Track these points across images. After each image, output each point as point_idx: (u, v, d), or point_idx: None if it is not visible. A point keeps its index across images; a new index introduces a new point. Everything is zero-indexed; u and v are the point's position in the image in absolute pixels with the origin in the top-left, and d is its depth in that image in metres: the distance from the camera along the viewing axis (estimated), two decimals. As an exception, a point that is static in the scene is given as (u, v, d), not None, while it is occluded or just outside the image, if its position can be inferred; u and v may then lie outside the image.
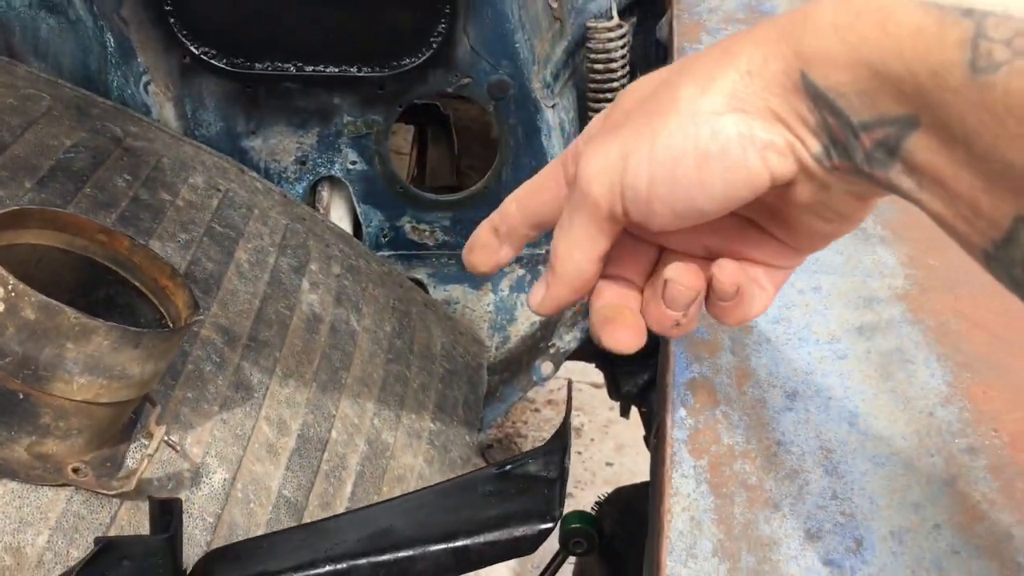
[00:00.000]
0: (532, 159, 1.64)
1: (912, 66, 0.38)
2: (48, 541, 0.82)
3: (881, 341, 0.71)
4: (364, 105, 1.57)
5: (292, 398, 1.19)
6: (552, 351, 1.84)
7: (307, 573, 0.69)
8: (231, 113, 1.56)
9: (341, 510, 1.16)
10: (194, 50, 1.49)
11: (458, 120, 2.04)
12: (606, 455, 3.28)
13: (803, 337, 0.72)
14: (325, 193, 1.65)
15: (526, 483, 0.76)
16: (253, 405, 1.13)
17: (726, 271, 0.51)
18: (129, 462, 0.93)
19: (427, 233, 1.70)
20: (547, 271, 0.54)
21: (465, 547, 0.71)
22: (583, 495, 3.16)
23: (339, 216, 1.67)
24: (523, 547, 0.72)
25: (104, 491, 0.88)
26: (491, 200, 1.68)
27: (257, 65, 1.51)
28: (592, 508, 1.54)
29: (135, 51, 1.50)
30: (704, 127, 0.44)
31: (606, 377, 2.43)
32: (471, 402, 1.52)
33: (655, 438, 0.69)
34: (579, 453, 3.31)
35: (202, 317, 0.95)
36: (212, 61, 1.50)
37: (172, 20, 1.46)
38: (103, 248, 0.95)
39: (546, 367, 1.85)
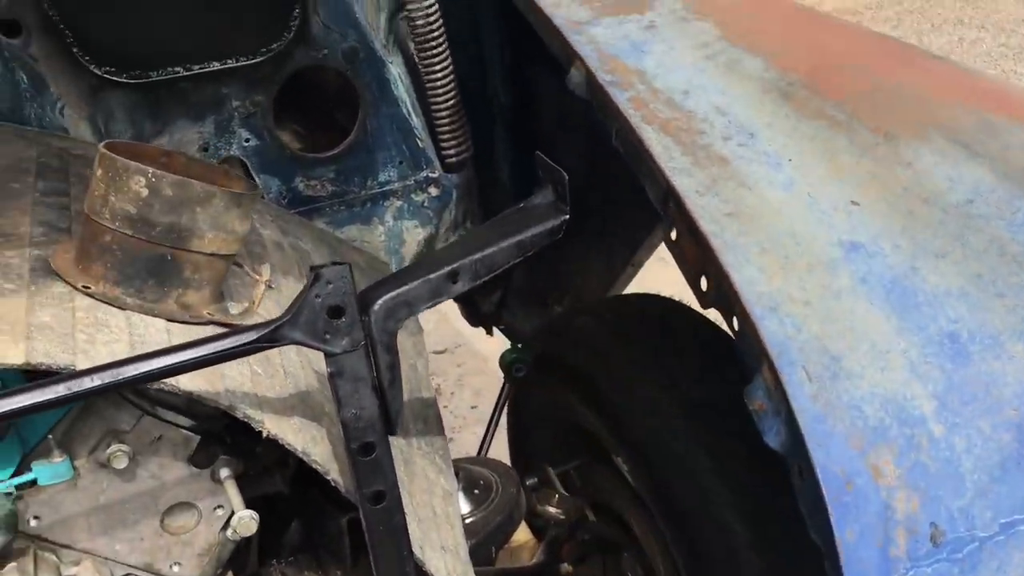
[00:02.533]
0: (389, 107, 2.05)
1: None
2: (219, 350, 1.14)
3: (720, 59, 1.19)
4: (248, 89, 1.91)
5: (295, 288, 1.52)
6: (437, 265, 2.24)
7: (435, 273, 1.07)
8: (138, 119, 1.84)
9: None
10: (98, 72, 1.76)
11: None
12: (467, 401, 3.69)
13: (676, 69, 1.19)
14: (227, 173, 1.96)
15: (536, 208, 1.18)
16: (277, 290, 1.45)
17: None
18: (231, 311, 1.25)
19: (318, 187, 2.05)
20: None
21: (521, 240, 1.12)
22: (460, 437, 3.55)
23: (242, 191, 1.98)
24: (554, 233, 1.15)
25: (235, 323, 1.20)
26: (364, 148, 2.06)
27: (153, 73, 1.81)
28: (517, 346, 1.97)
29: (47, 82, 1.75)
30: None
31: (463, 307, 2.85)
32: (403, 295, 1.89)
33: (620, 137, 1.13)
34: (445, 407, 3.69)
35: (261, 191, 1.27)
36: (115, 78, 1.78)
37: (75, 50, 1.73)
38: (165, 167, 1.25)
39: (435, 279, 2.25)
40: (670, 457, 1.48)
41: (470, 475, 1.60)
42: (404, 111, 2.07)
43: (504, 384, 1.89)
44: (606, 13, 1.36)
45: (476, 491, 1.57)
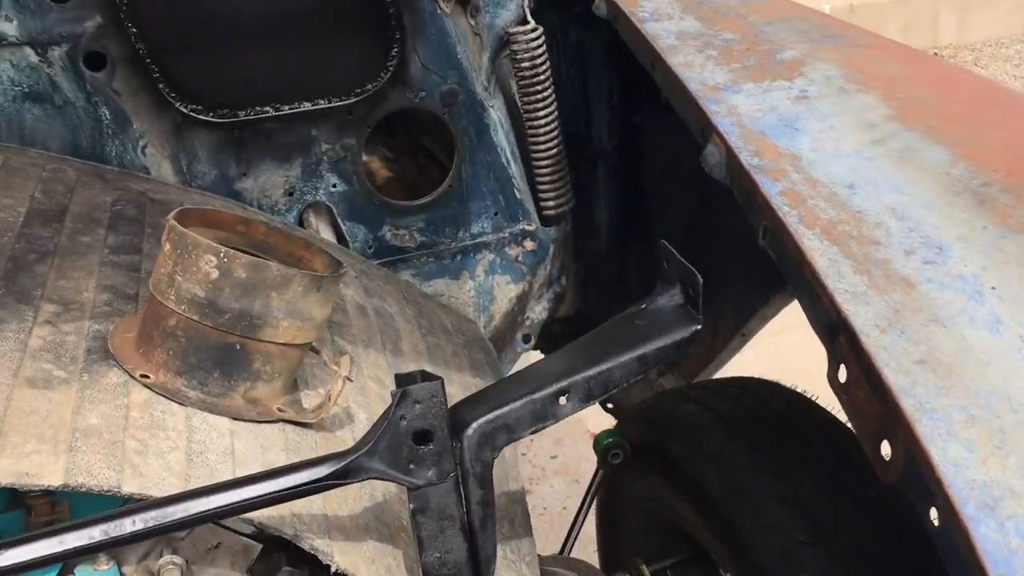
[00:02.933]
0: (486, 154, 1.89)
1: None
2: (286, 459, 0.99)
3: (892, 144, 1.00)
4: (338, 132, 1.77)
5: (377, 362, 1.38)
6: (528, 323, 2.08)
7: (541, 392, 0.90)
8: (222, 160, 1.72)
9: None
10: (184, 109, 1.65)
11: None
12: (548, 450, 3.51)
13: (838, 155, 1.00)
14: (312, 219, 1.83)
15: (661, 312, 1.00)
16: (357, 367, 1.31)
17: None
18: (305, 404, 1.10)
19: (406, 237, 1.91)
20: None
21: (644, 354, 0.95)
22: (538, 489, 3.37)
23: (326, 237, 1.85)
24: (682, 347, 0.97)
25: (308, 421, 1.05)
26: (457, 197, 1.91)
27: (240, 113, 1.69)
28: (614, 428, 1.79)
29: (130, 119, 1.64)
30: None
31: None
32: (492, 363, 1.73)
33: (769, 236, 0.94)
34: (524, 454, 3.51)
35: (347, 269, 1.12)
36: (201, 116, 1.66)
37: (161, 85, 1.62)
38: (243, 236, 1.12)
39: (525, 338, 2.08)
40: (793, 589, 1.28)
41: (558, 582, 1.43)
42: (503, 159, 1.92)
43: (597, 469, 1.71)
44: (748, 78, 1.18)
45: (564, 603, 1.40)
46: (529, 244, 1.99)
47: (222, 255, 0.97)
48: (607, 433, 1.72)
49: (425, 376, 0.88)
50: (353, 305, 1.51)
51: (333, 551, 0.92)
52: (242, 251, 1.11)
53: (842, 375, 0.79)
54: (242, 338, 0.99)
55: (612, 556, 1.88)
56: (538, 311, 2.08)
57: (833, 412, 1.52)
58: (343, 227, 1.86)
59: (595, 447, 1.71)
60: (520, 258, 2.00)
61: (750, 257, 2.05)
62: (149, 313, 1.02)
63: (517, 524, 1.39)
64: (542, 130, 1.95)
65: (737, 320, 2.11)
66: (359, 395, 1.24)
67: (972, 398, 0.71)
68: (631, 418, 1.76)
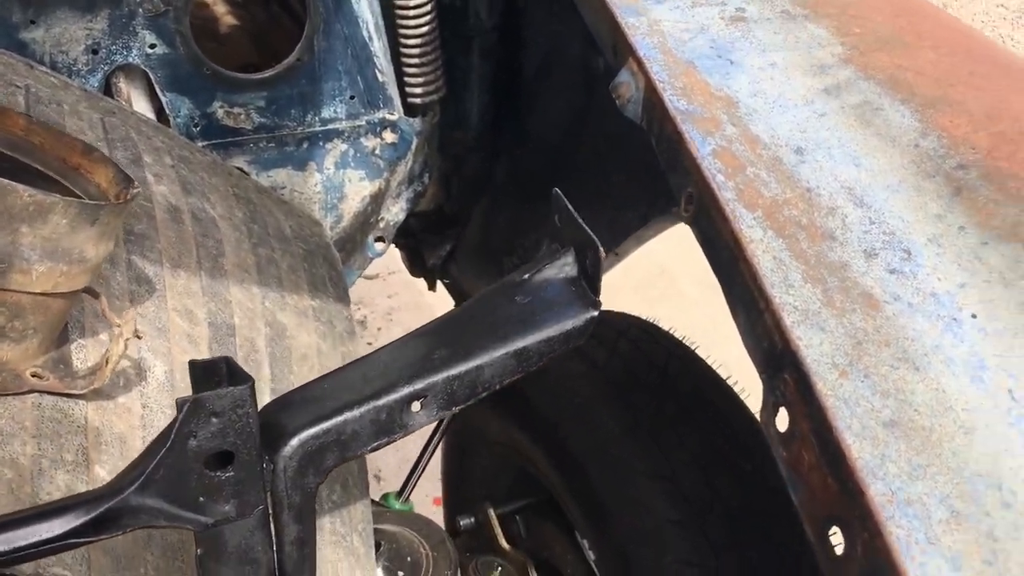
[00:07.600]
0: (345, 25, 1.59)
1: None
2: (39, 448, 0.74)
3: (848, 97, 0.80)
4: (159, -20, 1.43)
5: (188, 288, 1.12)
6: (382, 226, 1.83)
7: (388, 398, 0.68)
8: (4, 2, 1.36)
9: (265, 391, 1.12)
10: (-54, -72, 1.28)
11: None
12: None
13: (783, 104, 0.79)
14: (123, 85, 1.50)
15: (549, 287, 0.79)
16: (159, 297, 1.04)
17: None
18: (76, 361, 0.84)
19: (242, 116, 1.60)
20: None
21: (524, 348, 0.73)
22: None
23: (142, 110, 1.53)
24: (574, 337, 0.76)
25: (73, 392, 0.79)
26: (307, 73, 1.61)
27: (26, -59, 1.33)
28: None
29: None
30: None
31: (407, 255, 2.46)
32: (335, 278, 1.49)
33: (694, 207, 0.74)
34: (370, 344, 3.31)
35: (139, 189, 0.84)
36: (-29, -60, 1.29)
37: None
38: (-9, 131, 0.82)
39: (379, 244, 1.84)
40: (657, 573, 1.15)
41: (396, 547, 1.25)
42: (364, 33, 1.62)
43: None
44: (673, -18, 0.94)
45: (401, 572, 1.22)
46: (389, 136, 1.73)
47: (-58, 171, 0.68)
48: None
49: (232, 371, 0.64)
50: (165, 207, 1.23)
51: (92, 591, 0.69)
52: (-8, 151, 0.82)
53: (782, 422, 0.61)
54: (-24, 286, 0.72)
55: (457, 498, 1.72)
56: (394, 212, 1.83)
57: (712, 364, 1.38)
58: (163, 98, 1.54)
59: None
60: (377, 151, 1.73)
61: (630, 171, 1.85)
62: None
63: (351, 486, 1.19)
64: (413, 1, 1.66)
65: (612, 238, 1.93)
66: (158, 338, 0.99)
67: (955, 483, 0.54)
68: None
